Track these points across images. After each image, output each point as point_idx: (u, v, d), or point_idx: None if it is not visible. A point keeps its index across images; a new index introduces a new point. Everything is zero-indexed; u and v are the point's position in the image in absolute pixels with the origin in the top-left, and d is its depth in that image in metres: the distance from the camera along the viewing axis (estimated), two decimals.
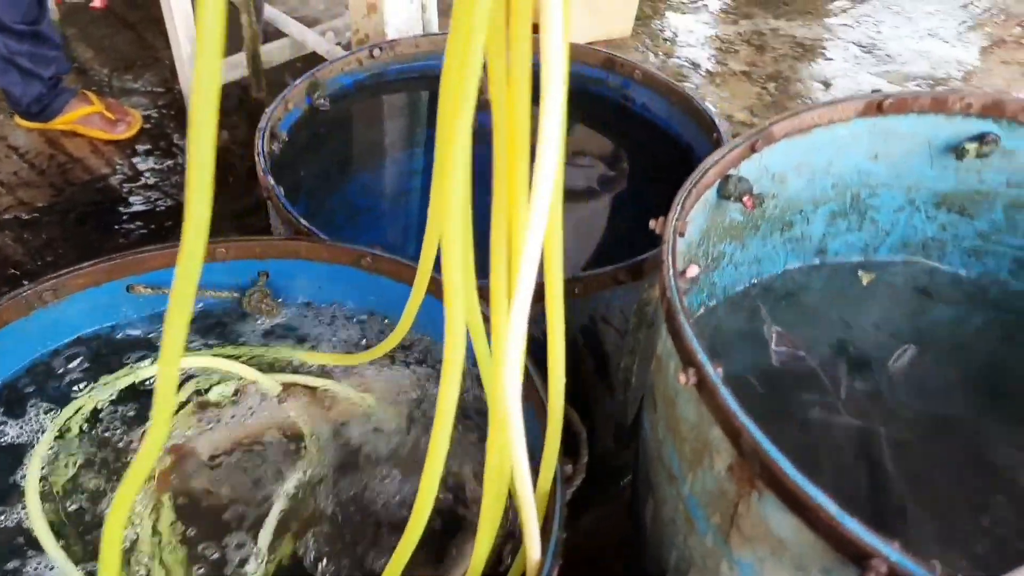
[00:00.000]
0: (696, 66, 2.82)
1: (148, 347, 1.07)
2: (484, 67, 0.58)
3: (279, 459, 0.99)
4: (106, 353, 1.05)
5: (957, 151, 1.03)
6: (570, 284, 1.10)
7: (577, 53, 1.59)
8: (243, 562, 0.87)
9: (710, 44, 2.96)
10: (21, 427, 0.97)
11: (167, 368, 0.56)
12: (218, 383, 1.04)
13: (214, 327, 1.09)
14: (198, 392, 1.03)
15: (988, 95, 1.01)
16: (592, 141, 1.65)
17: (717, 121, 1.35)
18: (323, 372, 1.07)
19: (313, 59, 2.22)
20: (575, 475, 0.86)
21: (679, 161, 1.47)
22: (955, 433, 1.05)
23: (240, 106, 2.33)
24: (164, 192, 2.14)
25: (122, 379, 1.02)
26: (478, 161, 0.62)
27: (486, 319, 0.71)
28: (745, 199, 0.94)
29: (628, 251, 1.12)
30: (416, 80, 1.62)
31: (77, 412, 0.99)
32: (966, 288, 1.16)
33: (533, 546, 0.74)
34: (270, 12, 2.25)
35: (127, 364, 1.04)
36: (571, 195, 1.56)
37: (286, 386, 1.04)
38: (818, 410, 1.04)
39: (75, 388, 1.01)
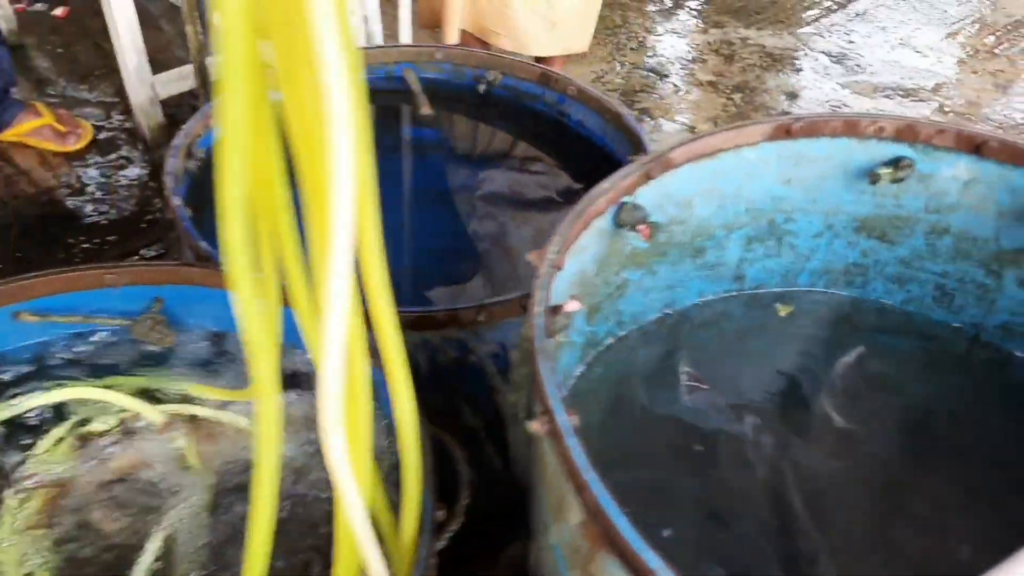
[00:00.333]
0: (662, 76, 2.79)
1: (37, 378, 1.03)
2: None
3: (161, 492, 0.95)
4: None
5: (871, 176, 0.99)
6: (475, 312, 1.06)
7: (513, 68, 1.56)
8: None
9: (678, 54, 2.92)
10: None
11: None
12: (101, 415, 1.00)
13: (102, 356, 1.05)
14: (81, 423, 0.99)
15: (901, 119, 0.97)
16: (529, 157, 1.61)
17: (644, 140, 1.31)
18: (215, 403, 1.03)
19: None
20: (450, 520, 0.82)
21: None
22: (875, 476, 1.01)
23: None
24: (111, 205, 2.10)
25: (3, 411, 0.99)
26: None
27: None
28: (640, 227, 0.90)
29: None
30: None
31: None
32: (891, 318, 1.12)
33: None
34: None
35: (9, 396, 1.00)
36: (505, 213, 1.52)
37: (172, 417, 1.00)
38: (729, 452, 1.00)
39: None
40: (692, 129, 2.51)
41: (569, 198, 1.52)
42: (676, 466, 1.01)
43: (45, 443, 0.97)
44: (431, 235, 1.58)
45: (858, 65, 2.90)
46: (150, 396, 1.02)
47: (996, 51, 3.05)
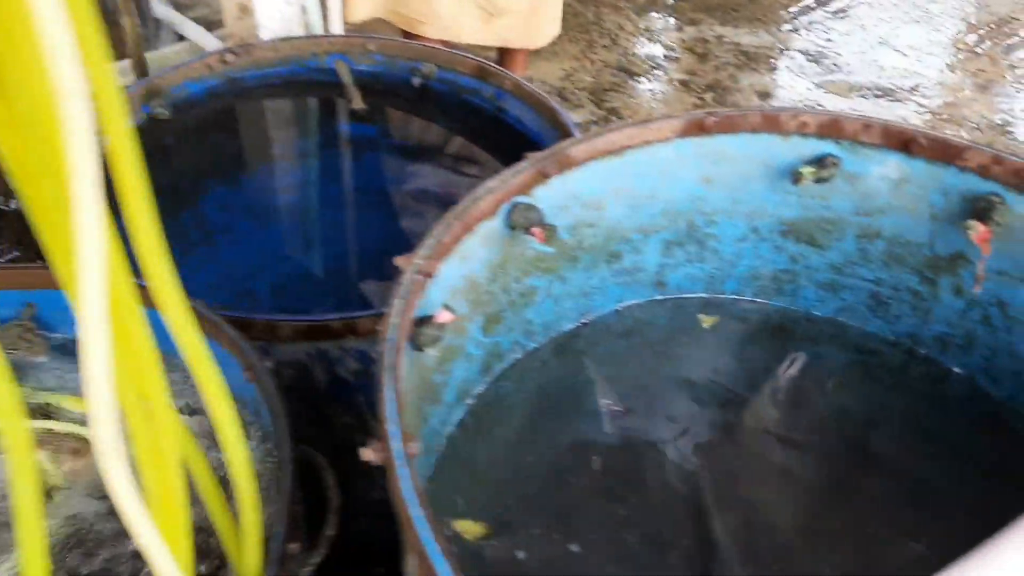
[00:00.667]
0: (633, 75, 2.71)
1: None
2: None
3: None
4: None
5: (793, 175, 0.92)
6: (373, 320, 0.99)
7: (451, 60, 1.48)
8: None
9: (651, 52, 2.85)
10: None
11: None
12: None
13: None
14: None
15: (825, 113, 0.90)
16: (467, 153, 1.54)
17: (577, 136, 1.24)
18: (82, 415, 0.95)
19: None
20: (312, 552, 0.74)
21: None
22: (804, 497, 0.93)
23: None
24: None
25: None
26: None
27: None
28: (535, 230, 0.83)
29: None
30: (278, 87, 1.50)
31: None
32: (822, 327, 1.04)
33: None
34: (164, 13, 2.13)
35: None
36: (439, 211, 1.45)
37: (38, 433, 0.92)
38: (648, 473, 0.92)
39: None
40: None
41: None
42: (591, 488, 0.94)
43: None
44: (362, 236, 1.51)
45: (835, 64, 2.82)
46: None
47: (978, 50, 2.97)
